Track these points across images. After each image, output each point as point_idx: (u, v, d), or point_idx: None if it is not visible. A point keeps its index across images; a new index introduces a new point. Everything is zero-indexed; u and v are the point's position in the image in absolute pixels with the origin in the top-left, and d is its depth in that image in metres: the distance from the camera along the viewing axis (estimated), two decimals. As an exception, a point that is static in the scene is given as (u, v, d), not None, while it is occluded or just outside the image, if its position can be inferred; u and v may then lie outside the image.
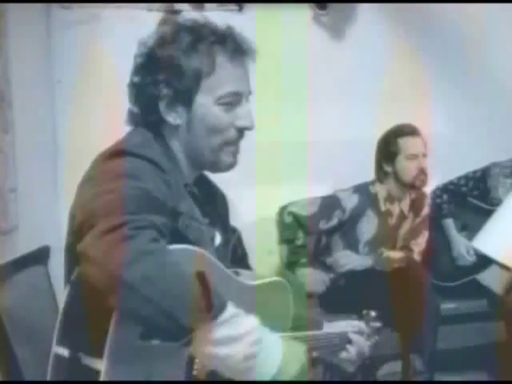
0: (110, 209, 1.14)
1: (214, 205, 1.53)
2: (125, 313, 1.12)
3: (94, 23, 3.01)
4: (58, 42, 3.08)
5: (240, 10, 3.28)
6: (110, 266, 1.07)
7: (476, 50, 3.47)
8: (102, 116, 2.85)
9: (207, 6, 3.15)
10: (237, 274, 1.39)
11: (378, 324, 1.71)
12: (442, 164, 3.11)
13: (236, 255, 1.59)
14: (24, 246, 2.32)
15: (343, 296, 2.74)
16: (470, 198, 3.04)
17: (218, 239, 1.48)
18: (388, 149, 2.90)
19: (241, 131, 1.40)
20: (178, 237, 1.26)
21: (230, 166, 1.43)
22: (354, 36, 3.49)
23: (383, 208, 2.88)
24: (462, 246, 3.01)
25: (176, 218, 1.28)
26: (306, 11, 3.41)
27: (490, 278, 2.89)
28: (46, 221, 2.81)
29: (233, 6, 3.26)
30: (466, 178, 3.08)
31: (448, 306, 2.90)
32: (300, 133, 3.25)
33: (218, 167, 1.43)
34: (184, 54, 1.35)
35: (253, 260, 1.53)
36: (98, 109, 2.94)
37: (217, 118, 1.37)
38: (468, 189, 3.04)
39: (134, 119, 1.42)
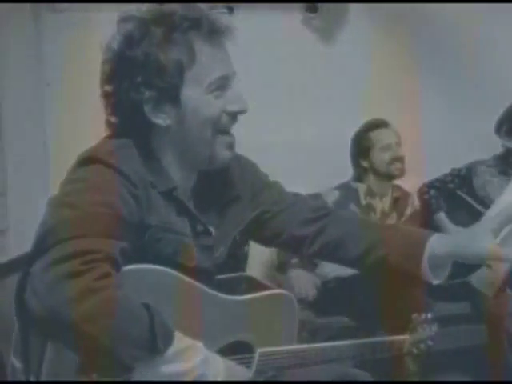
0: (67, 230, 1.12)
1: (220, 210, 1.40)
2: (63, 345, 1.10)
3: (84, 26, 3.00)
4: (48, 45, 3.07)
5: (230, 12, 3.27)
6: (51, 301, 1.05)
7: (467, 55, 3.47)
8: (92, 119, 2.84)
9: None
10: None
11: (435, 327, 1.65)
12: (428, 169, 3.12)
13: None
14: (13, 249, 2.32)
15: (334, 298, 2.73)
16: (459, 192, 3.01)
17: (220, 249, 1.38)
18: (362, 145, 2.94)
19: (234, 116, 1.31)
20: (148, 252, 1.22)
21: (226, 160, 1.34)
22: (345, 39, 3.50)
23: (364, 202, 2.89)
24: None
25: (143, 232, 1.22)
26: (296, 14, 3.42)
27: (480, 280, 2.88)
28: (36, 224, 2.80)
29: (223, 9, 3.26)
30: (452, 175, 3.07)
31: (441, 307, 2.90)
32: (288, 134, 3.26)
33: (213, 162, 1.33)
34: (159, 48, 1.25)
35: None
36: (88, 112, 2.92)
37: (209, 106, 1.28)
38: (455, 185, 3.04)
39: (114, 130, 1.34)
